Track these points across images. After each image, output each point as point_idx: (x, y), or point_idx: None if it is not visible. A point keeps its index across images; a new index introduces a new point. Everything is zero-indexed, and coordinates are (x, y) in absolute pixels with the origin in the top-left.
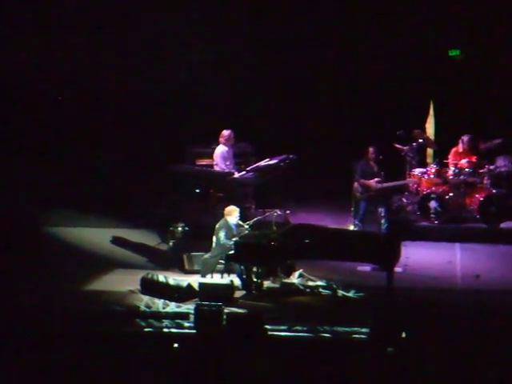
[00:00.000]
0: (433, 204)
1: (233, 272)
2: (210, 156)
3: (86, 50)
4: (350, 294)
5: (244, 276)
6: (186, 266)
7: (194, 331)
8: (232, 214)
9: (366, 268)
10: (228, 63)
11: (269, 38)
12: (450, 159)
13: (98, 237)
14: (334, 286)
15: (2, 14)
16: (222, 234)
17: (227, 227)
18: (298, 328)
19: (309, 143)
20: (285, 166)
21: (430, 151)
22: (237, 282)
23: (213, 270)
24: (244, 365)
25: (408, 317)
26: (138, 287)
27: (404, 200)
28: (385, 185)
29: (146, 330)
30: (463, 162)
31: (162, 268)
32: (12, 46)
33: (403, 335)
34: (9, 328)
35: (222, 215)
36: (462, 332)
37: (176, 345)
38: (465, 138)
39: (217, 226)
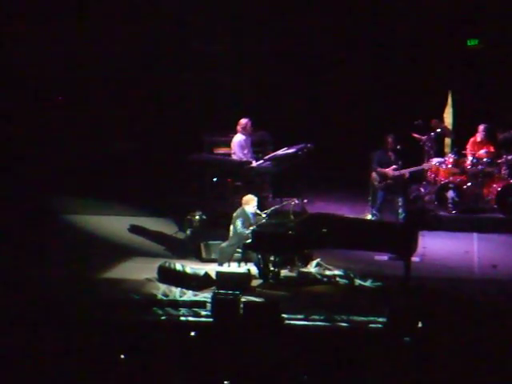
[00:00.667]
0: (450, 194)
1: (250, 261)
2: (228, 145)
3: (102, 38)
4: (367, 284)
5: (261, 265)
6: (204, 255)
7: (211, 319)
8: (249, 203)
9: (383, 257)
10: (246, 52)
11: (287, 27)
12: (468, 149)
13: (115, 225)
14: (352, 275)
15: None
16: (239, 223)
17: (244, 216)
18: (315, 317)
19: (327, 132)
20: (302, 155)
21: (447, 141)
22: (254, 270)
23: (230, 259)
24: (261, 353)
25: (425, 306)
26: (156, 275)
27: (422, 190)
28: (402, 171)
29: (163, 318)
30: (481, 152)
31: (180, 256)
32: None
33: (419, 325)
34: (28, 316)
35: (240, 204)
36: (478, 322)
37: (193, 333)
38: (481, 127)
39: (234, 214)
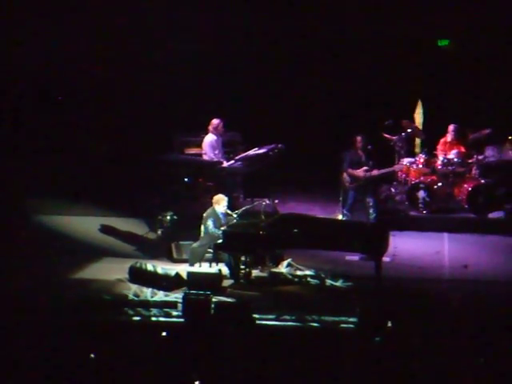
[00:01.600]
0: (421, 194)
1: (221, 261)
2: (199, 145)
3: (73, 39)
4: (338, 284)
5: (232, 265)
6: (175, 255)
7: (182, 320)
8: (220, 203)
9: (354, 258)
10: (217, 52)
11: (258, 27)
12: (439, 149)
13: (86, 225)
14: (323, 276)
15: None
16: (210, 223)
17: (215, 216)
18: (286, 317)
19: (297, 133)
20: (273, 156)
21: (418, 141)
22: (225, 270)
23: (201, 259)
24: (232, 353)
25: (395, 306)
26: (127, 276)
27: (392, 190)
28: (373, 173)
29: (135, 318)
30: (452, 152)
31: (151, 257)
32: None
33: (389, 324)
34: None
35: (210, 204)
36: (448, 322)
37: (164, 333)
38: (451, 127)
39: (204, 214)
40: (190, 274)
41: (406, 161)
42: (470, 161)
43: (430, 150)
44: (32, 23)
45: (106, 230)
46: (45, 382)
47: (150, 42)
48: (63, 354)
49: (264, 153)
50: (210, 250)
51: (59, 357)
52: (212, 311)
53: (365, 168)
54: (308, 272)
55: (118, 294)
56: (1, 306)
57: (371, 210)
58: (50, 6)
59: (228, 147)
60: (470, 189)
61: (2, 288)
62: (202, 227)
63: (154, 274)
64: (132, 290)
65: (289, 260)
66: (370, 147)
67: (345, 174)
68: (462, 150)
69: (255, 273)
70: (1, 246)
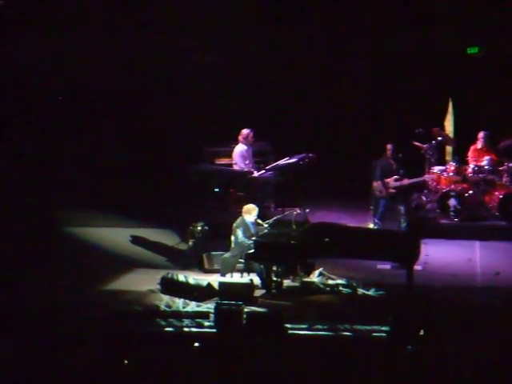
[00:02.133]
0: (452, 202)
1: (252, 271)
2: (229, 155)
3: (100, 50)
4: (370, 293)
5: (264, 275)
6: (206, 266)
7: (214, 330)
8: (250, 213)
9: (385, 266)
10: (246, 62)
11: (286, 37)
12: (470, 156)
13: (117, 236)
14: (354, 285)
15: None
16: (239, 233)
17: (244, 225)
18: (318, 326)
19: (328, 142)
20: (304, 165)
21: (449, 149)
22: (256, 280)
23: (232, 269)
24: (264, 364)
25: (428, 315)
26: (158, 287)
27: (423, 198)
28: (404, 182)
29: (167, 329)
30: (483, 159)
31: (182, 267)
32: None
33: (421, 333)
34: (31, 328)
35: (240, 214)
36: (481, 330)
37: (197, 344)
38: (481, 134)
39: (234, 224)
40: (221, 284)
41: (436, 169)
42: (500, 168)
43: (460, 157)
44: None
45: (137, 241)
46: None
47: (181, 51)
48: (96, 366)
49: (295, 162)
50: (242, 260)
51: (92, 368)
52: (244, 321)
53: (395, 177)
54: (340, 281)
55: (150, 305)
56: (34, 317)
57: (402, 219)
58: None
59: (258, 157)
60: (500, 196)
61: (35, 300)
62: (232, 237)
63: (186, 284)
64: (164, 300)
65: (320, 269)
66: (400, 155)
67: (375, 183)
68: (493, 157)
69: (287, 282)
70: (32, 259)
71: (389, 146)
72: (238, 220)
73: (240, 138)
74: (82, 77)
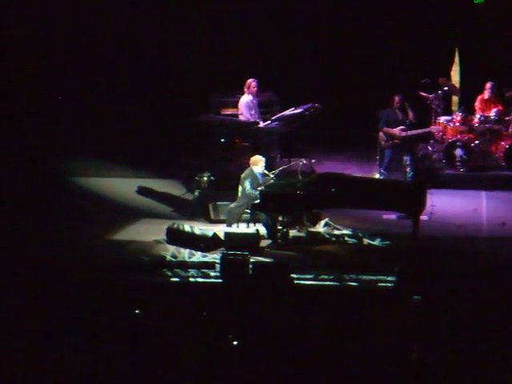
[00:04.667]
0: (458, 152)
1: (258, 221)
2: (235, 105)
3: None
4: (376, 243)
5: (270, 225)
6: (212, 216)
7: (220, 280)
8: (258, 164)
9: (391, 216)
10: (251, 12)
11: None
12: (476, 107)
13: (123, 187)
14: (360, 235)
15: None
16: (247, 184)
17: (253, 177)
18: (324, 277)
19: (334, 92)
20: (310, 115)
21: (455, 99)
22: (262, 231)
23: (238, 220)
24: (270, 314)
25: (434, 265)
26: (164, 237)
27: (429, 148)
28: (409, 133)
29: (173, 279)
30: (490, 110)
31: (188, 218)
32: None
33: (429, 283)
34: (38, 278)
35: (248, 165)
36: (487, 280)
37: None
38: (488, 84)
39: (242, 175)
40: (227, 234)
41: (442, 119)
42: (507, 118)
43: (466, 107)
44: None
45: (143, 191)
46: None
47: (187, 1)
48: (102, 315)
49: (300, 112)
50: (248, 211)
51: (98, 317)
52: (250, 271)
53: (401, 127)
54: (345, 231)
55: (156, 255)
56: (41, 268)
57: (408, 169)
58: None
59: (264, 107)
60: (507, 146)
61: (40, 250)
62: (240, 188)
63: (192, 234)
64: (170, 251)
65: (326, 219)
66: (407, 104)
67: (381, 133)
68: (500, 107)
69: (293, 233)
70: (39, 210)
71: (397, 98)
72: (246, 171)
73: (245, 88)
74: (90, 27)
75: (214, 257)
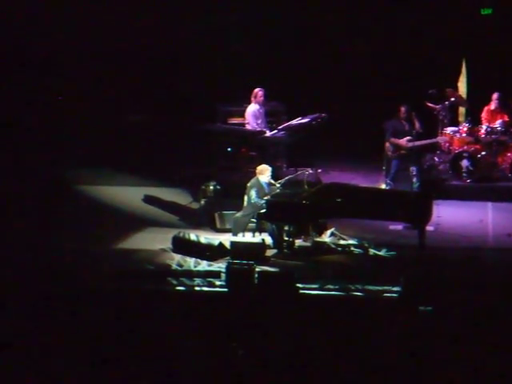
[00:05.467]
0: (465, 163)
1: (264, 231)
2: (242, 115)
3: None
4: (382, 253)
5: (275, 235)
6: (218, 225)
7: (225, 290)
8: (264, 173)
9: (397, 227)
10: (259, 22)
11: None
12: (483, 117)
13: (130, 196)
14: (366, 245)
15: None
16: (253, 193)
17: (259, 186)
18: (330, 286)
19: (340, 102)
20: (316, 125)
21: (462, 110)
22: (268, 240)
23: (244, 229)
24: (275, 323)
25: (440, 275)
26: (170, 246)
27: (436, 159)
28: (416, 143)
29: (178, 288)
30: (496, 121)
31: (194, 227)
32: None
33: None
34: (43, 286)
35: (254, 174)
36: (493, 291)
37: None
38: (495, 95)
39: (248, 184)
40: (233, 243)
41: (449, 130)
42: None
43: (473, 118)
44: None
45: (149, 200)
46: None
47: (194, 11)
48: (107, 323)
49: (307, 122)
50: (254, 220)
51: (103, 326)
52: (255, 281)
53: (408, 138)
54: (351, 241)
55: (162, 264)
56: (46, 275)
57: (415, 179)
58: None
59: (271, 117)
60: None
61: (46, 258)
62: (246, 197)
63: (198, 243)
64: (175, 259)
65: (332, 229)
66: (414, 113)
67: (388, 144)
68: (506, 118)
69: (298, 242)
70: (44, 218)
71: (403, 109)
72: (252, 180)
73: (252, 97)
74: (95, 37)
75: (220, 266)
